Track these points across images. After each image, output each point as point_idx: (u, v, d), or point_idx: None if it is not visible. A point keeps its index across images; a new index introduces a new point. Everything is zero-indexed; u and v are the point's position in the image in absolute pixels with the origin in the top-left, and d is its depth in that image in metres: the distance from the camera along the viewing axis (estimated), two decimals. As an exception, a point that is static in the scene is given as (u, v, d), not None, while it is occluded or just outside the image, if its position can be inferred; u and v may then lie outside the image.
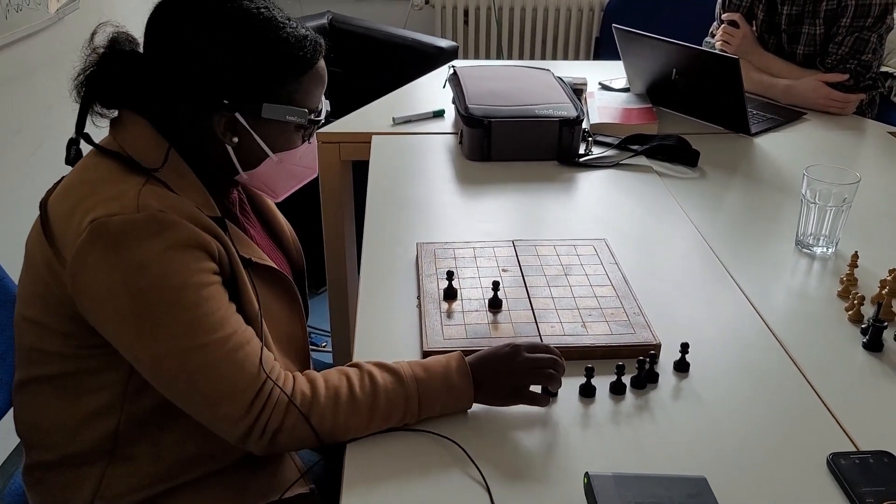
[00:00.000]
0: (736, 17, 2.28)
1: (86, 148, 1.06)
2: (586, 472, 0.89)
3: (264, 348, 1.01)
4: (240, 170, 1.08)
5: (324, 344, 2.61)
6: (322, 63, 1.08)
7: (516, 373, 1.02)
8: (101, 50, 1.03)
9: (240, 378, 0.97)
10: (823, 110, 2.14)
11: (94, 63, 1.03)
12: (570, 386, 1.08)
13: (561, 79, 2.04)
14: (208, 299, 0.97)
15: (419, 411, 0.99)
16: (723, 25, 2.32)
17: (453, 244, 1.39)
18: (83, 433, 1.07)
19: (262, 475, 1.14)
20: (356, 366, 1.03)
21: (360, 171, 1.86)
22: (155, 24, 1.03)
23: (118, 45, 1.04)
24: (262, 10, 1.02)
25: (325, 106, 1.12)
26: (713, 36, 2.39)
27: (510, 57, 3.88)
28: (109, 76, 1.03)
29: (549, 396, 1.04)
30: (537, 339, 1.12)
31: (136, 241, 0.94)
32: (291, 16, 1.07)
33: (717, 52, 2.22)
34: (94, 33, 1.03)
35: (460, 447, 0.96)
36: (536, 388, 1.04)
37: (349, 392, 0.99)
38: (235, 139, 1.05)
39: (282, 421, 0.97)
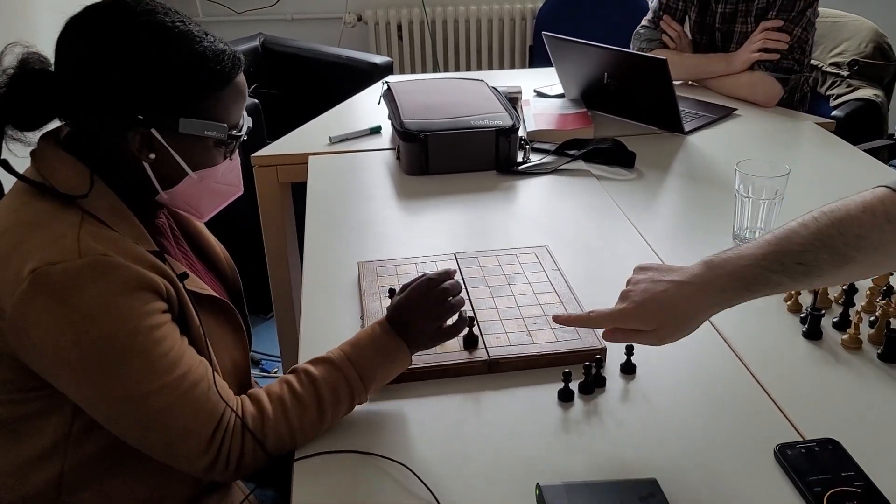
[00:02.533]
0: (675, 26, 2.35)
1: (8, 181, 1.02)
2: (538, 483, 0.89)
3: (218, 378, 0.99)
4: (159, 189, 1.05)
5: (275, 370, 2.57)
6: (241, 78, 1.06)
7: (437, 313, 1.06)
8: (11, 71, 0.99)
9: (198, 416, 0.95)
10: (764, 59, 2.16)
11: (3, 85, 0.99)
12: (519, 396, 1.08)
13: (495, 88, 2.04)
14: (161, 341, 0.95)
15: (364, 385, 1.02)
16: (662, 21, 2.36)
17: (395, 261, 1.38)
18: (26, 480, 1.03)
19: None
20: (293, 371, 1.04)
21: (299, 192, 1.84)
22: (66, 40, 0.99)
23: (28, 64, 1.00)
24: (178, 23, 1.00)
25: (245, 122, 1.09)
26: (646, 28, 2.41)
27: (446, 69, 3.89)
28: (21, 97, 0.99)
29: (465, 321, 1.10)
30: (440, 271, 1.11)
31: (81, 289, 0.91)
32: (223, 38, 1.05)
33: (644, 53, 2.25)
34: (2, 54, 0.99)
35: (408, 469, 0.95)
36: None
37: (292, 395, 1.00)
38: (152, 156, 1.02)
39: (241, 447, 0.97)
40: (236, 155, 1.12)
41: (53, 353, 0.92)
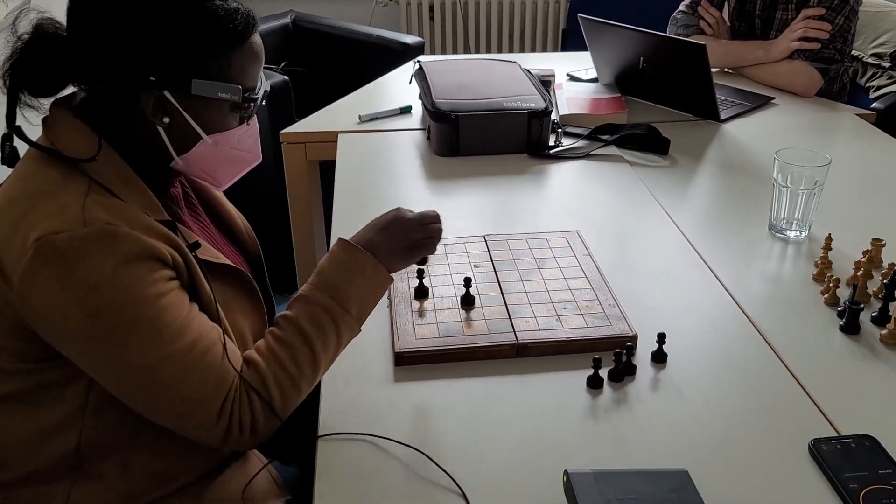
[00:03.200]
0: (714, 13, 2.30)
1: (22, 147, 1.01)
2: (565, 470, 0.87)
3: (229, 344, 0.98)
4: (173, 154, 1.03)
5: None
6: (257, 39, 1.03)
7: (411, 230, 1.08)
8: (26, 36, 0.98)
9: (207, 384, 0.94)
10: (805, 48, 2.11)
11: (18, 50, 0.98)
12: (547, 382, 1.06)
13: (528, 71, 2.01)
14: (168, 308, 0.94)
15: (343, 310, 1.01)
16: (700, 7, 2.31)
17: (423, 241, 1.36)
18: (44, 449, 1.03)
19: (235, 486, 1.10)
20: (274, 322, 1.04)
21: (327, 171, 1.82)
22: (76, 1, 0.98)
23: (42, 29, 0.98)
24: None
25: (263, 85, 1.06)
26: (683, 13, 2.37)
27: (477, 51, 3.86)
28: (34, 62, 0.98)
29: (439, 232, 1.11)
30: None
31: (86, 258, 0.90)
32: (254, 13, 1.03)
33: (682, 38, 2.21)
34: (16, 20, 0.98)
35: (426, 455, 0.93)
36: None
37: (277, 340, 1.00)
38: (166, 120, 1.00)
39: (251, 410, 0.96)
40: (254, 121, 1.09)
41: (60, 322, 0.92)
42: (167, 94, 0.98)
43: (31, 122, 1.01)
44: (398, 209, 1.11)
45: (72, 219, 0.91)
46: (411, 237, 1.08)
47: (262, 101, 1.07)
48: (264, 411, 0.97)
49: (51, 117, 1.02)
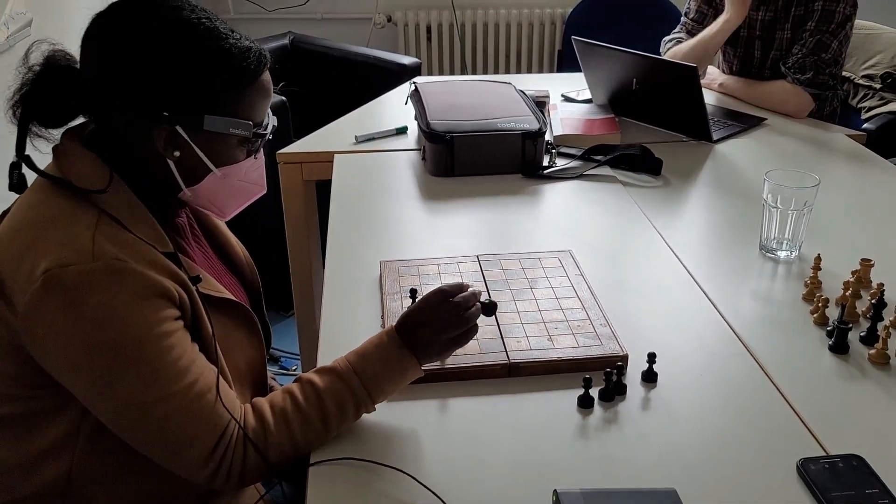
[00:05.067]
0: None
1: (30, 175, 1.02)
2: (555, 490, 0.88)
3: (224, 387, 0.99)
4: (182, 186, 1.05)
5: (294, 368, 2.57)
6: (267, 76, 1.05)
7: (449, 325, 1.02)
8: (37, 68, 1.00)
9: (202, 426, 0.95)
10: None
11: (29, 81, 0.99)
12: (538, 401, 1.07)
13: (523, 92, 2.03)
14: (171, 348, 0.94)
15: (370, 397, 1.00)
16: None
17: (417, 261, 1.38)
18: (35, 474, 1.03)
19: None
20: (298, 379, 1.03)
21: (323, 191, 1.84)
22: (91, 36, 0.99)
23: (54, 62, 1.00)
24: (204, 20, 0.99)
25: (271, 120, 1.08)
26: (675, 33, 2.41)
27: (474, 72, 3.88)
28: (45, 93, 0.99)
29: (475, 330, 1.05)
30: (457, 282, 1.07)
31: (94, 293, 0.91)
32: (250, 36, 1.05)
33: (674, 60, 2.23)
34: (28, 51, 1.00)
35: (416, 479, 0.94)
36: None
37: (295, 408, 0.99)
38: (177, 153, 1.01)
39: (243, 460, 0.97)
40: (261, 154, 1.11)
41: (62, 354, 0.93)
42: (179, 129, 1.00)
43: (41, 151, 1.02)
44: (442, 291, 1.04)
45: (81, 251, 0.92)
46: (452, 332, 1.02)
47: (269, 136, 1.08)
48: (257, 466, 0.97)
49: (61, 147, 1.03)
